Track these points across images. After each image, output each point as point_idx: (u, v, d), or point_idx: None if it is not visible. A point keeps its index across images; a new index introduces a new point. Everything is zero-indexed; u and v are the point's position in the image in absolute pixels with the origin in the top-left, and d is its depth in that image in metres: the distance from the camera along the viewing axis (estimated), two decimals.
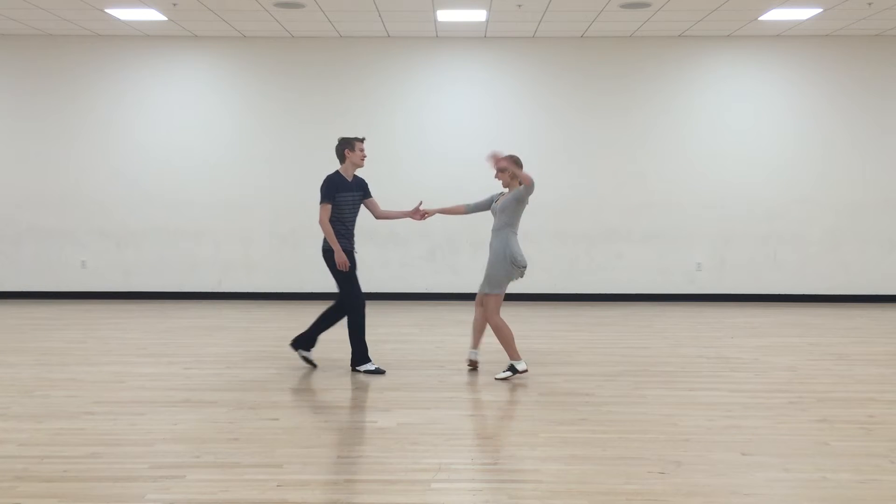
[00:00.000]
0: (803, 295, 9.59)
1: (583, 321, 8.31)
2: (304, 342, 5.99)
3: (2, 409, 4.85)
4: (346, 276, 5.75)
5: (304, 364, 6.12)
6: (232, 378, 5.68)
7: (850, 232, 9.52)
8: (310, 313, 8.69)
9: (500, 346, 5.74)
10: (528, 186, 5.44)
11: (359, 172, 5.91)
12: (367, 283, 9.69)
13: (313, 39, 9.43)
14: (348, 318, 5.82)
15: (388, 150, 9.42)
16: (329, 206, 5.66)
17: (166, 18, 8.46)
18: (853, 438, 4.35)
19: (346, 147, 5.77)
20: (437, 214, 6.11)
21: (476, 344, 5.89)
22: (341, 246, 5.68)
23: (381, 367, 5.87)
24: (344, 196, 5.70)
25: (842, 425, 4.59)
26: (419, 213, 5.96)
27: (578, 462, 3.96)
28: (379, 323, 8.00)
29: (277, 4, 7.85)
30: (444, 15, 8.28)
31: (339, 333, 7.51)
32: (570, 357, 6.42)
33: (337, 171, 5.79)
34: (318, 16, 8.30)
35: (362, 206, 5.91)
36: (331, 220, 5.68)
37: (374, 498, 3.51)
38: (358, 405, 5.01)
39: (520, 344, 6.92)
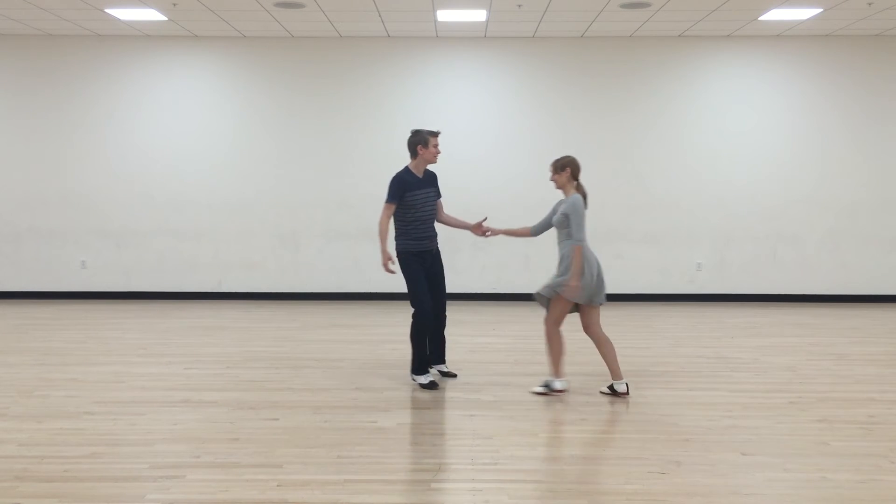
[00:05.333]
0: (803, 295, 9.59)
1: None
2: (434, 360, 5.73)
3: (2, 409, 4.85)
4: (412, 282, 5.40)
5: (305, 364, 6.13)
6: (232, 378, 5.68)
7: (850, 232, 9.52)
8: (310, 313, 8.73)
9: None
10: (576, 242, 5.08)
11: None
12: (367, 283, 9.77)
13: (313, 39, 9.43)
14: (412, 324, 5.46)
15: (389, 150, 9.40)
16: (392, 206, 5.34)
17: (166, 18, 8.46)
18: (853, 438, 4.35)
19: (419, 142, 5.38)
20: (501, 235, 5.63)
21: (614, 373, 5.24)
22: (411, 247, 5.41)
23: (436, 381, 5.49)
24: (415, 194, 5.37)
25: (842, 425, 4.59)
26: (481, 229, 5.58)
27: (578, 462, 3.97)
28: (379, 323, 8.00)
29: (277, 4, 7.85)
30: (444, 15, 8.28)
31: (340, 334, 7.53)
32: (570, 357, 6.40)
33: (406, 168, 5.44)
34: (318, 16, 8.30)
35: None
36: (404, 221, 5.41)
37: (374, 498, 3.51)
38: (358, 405, 5.01)
39: (521, 344, 6.95)
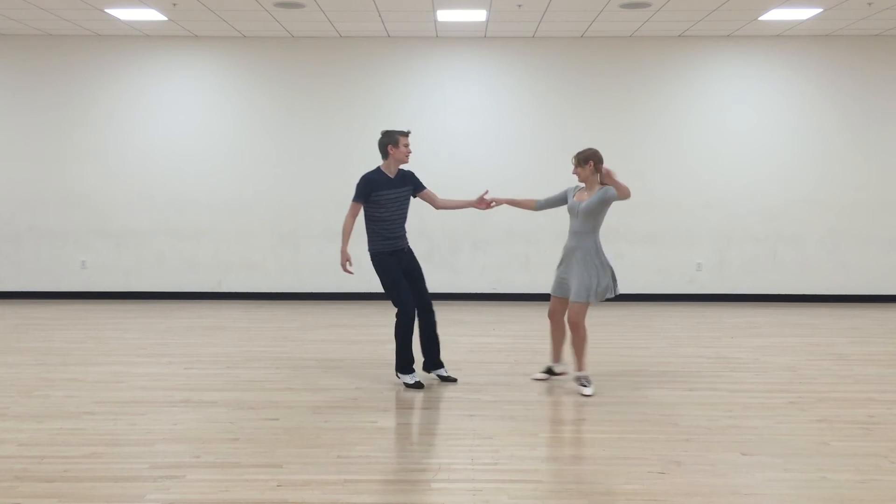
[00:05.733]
0: (803, 295, 9.59)
1: None
2: (430, 365, 5.66)
3: (2, 409, 4.85)
4: (389, 281, 5.40)
5: (305, 364, 6.13)
6: (232, 378, 5.68)
7: (850, 232, 9.52)
8: (310, 313, 8.73)
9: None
10: (624, 196, 5.13)
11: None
12: (366, 283, 9.73)
13: (313, 39, 9.43)
14: (396, 323, 5.43)
15: None
16: (358, 205, 5.36)
17: (166, 18, 8.46)
18: (853, 438, 4.35)
19: (390, 143, 5.37)
20: (505, 205, 5.67)
21: (558, 357, 5.60)
22: (383, 247, 5.39)
23: (422, 381, 5.45)
24: (383, 194, 5.34)
25: (842, 425, 4.59)
26: (484, 203, 5.58)
27: (578, 462, 3.96)
28: (379, 323, 8.00)
29: (277, 4, 7.85)
30: (444, 15, 8.28)
31: (340, 334, 7.53)
32: (571, 357, 6.41)
33: (377, 168, 5.44)
34: (318, 16, 8.30)
35: (420, 199, 5.59)
36: (373, 220, 5.39)
37: (374, 498, 3.51)
38: (358, 405, 5.01)
39: (520, 344, 6.95)
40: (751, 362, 6.26)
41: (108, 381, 5.56)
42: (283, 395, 5.21)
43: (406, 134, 5.46)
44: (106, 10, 8.14)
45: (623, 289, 9.50)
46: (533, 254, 9.57)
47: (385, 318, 8.29)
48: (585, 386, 5.25)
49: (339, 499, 3.47)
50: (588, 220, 5.25)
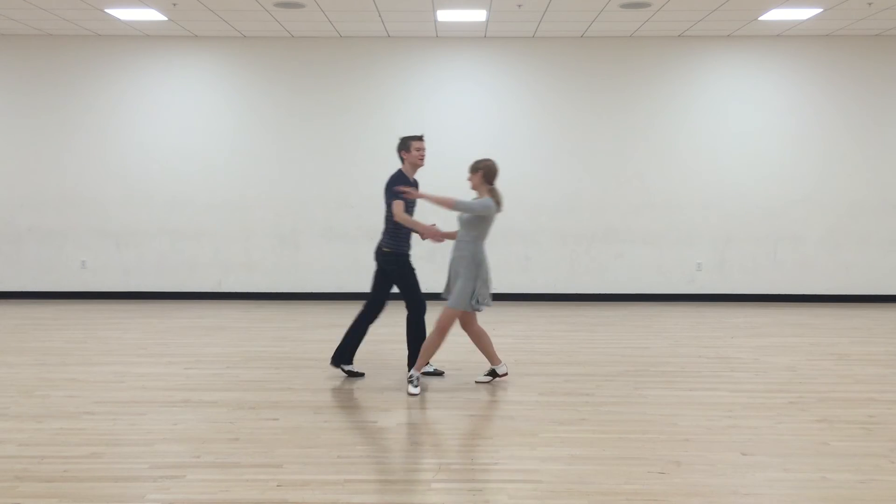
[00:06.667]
0: (803, 295, 9.59)
1: (583, 321, 8.30)
2: (342, 357, 5.73)
3: (2, 409, 4.85)
4: (412, 282, 5.55)
5: (305, 364, 6.12)
6: (232, 378, 5.68)
7: (850, 232, 9.52)
8: (309, 313, 8.73)
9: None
10: (450, 208, 5.16)
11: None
12: (366, 284, 9.73)
13: (313, 39, 9.43)
14: (416, 324, 5.61)
15: (388, 151, 9.37)
16: (401, 203, 5.36)
17: (166, 18, 8.46)
18: (853, 438, 4.35)
19: (402, 149, 5.54)
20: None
21: (494, 359, 5.55)
22: (405, 249, 5.52)
23: (440, 369, 5.76)
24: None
25: (842, 425, 4.59)
26: (439, 234, 5.53)
27: (578, 462, 3.96)
28: (379, 323, 7.98)
29: (277, 4, 7.85)
30: (444, 15, 8.29)
31: (340, 334, 7.52)
32: (570, 357, 6.42)
33: (399, 170, 5.55)
34: (318, 16, 8.30)
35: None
36: (391, 220, 5.44)
37: (374, 498, 3.51)
38: (358, 405, 5.02)
39: (521, 344, 6.96)
40: (751, 362, 6.26)
41: (108, 381, 5.56)
42: (283, 395, 5.21)
43: (419, 138, 5.56)
44: (106, 10, 8.14)
45: (623, 289, 9.68)
46: (532, 254, 9.57)
47: (384, 317, 8.26)
48: (414, 384, 5.28)
49: (339, 499, 3.47)
50: (468, 230, 5.29)
